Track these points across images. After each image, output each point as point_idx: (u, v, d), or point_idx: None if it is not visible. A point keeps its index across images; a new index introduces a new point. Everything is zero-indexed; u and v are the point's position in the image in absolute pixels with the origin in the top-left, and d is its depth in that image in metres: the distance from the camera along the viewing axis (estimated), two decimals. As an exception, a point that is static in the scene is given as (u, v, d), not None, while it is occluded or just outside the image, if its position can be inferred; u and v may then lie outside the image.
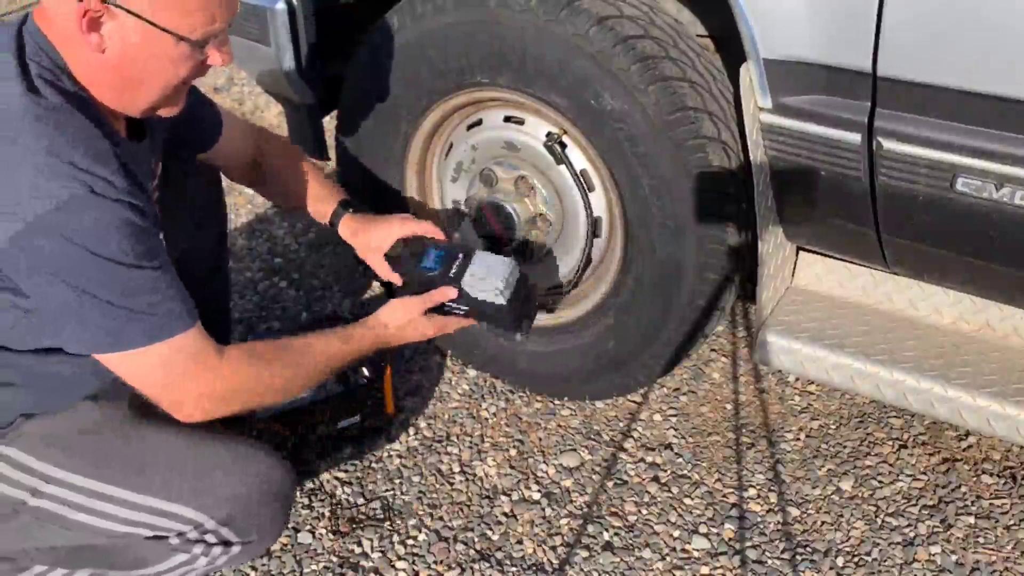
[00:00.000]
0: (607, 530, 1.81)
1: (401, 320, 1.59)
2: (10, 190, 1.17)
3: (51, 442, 1.39)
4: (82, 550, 1.46)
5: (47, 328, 1.31)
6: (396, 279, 1.72)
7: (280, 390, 1.45)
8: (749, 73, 1.54)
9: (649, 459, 1.98)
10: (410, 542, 1.79)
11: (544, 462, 1.97)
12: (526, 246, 1.95)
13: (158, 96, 1.30)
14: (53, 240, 1.18)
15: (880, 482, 1.90)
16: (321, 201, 1.80)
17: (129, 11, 1.18)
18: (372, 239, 1.74)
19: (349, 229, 1.78)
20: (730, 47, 1.71)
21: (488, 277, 1.60)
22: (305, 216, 2.09)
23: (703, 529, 1.81)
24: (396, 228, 1.73)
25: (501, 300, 1.60)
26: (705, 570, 1.73)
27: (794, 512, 1.84)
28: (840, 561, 1.74)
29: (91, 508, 1.39)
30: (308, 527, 1.81)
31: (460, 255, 1.64)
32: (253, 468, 1.45)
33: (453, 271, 1.62)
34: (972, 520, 1.80)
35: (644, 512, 1.85)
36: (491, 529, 1.82)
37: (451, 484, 1.92)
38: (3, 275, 1.25)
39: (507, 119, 1.91)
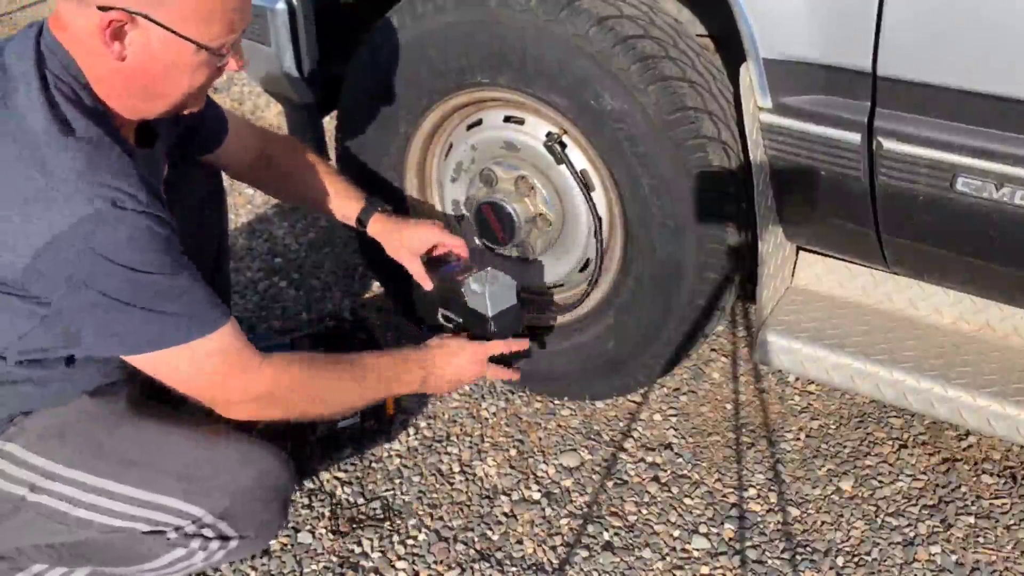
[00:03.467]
0: (607, 530, 1.81)
1: (455, 368, 1.66)
2: (34, 206, 1.18)
3: (50, 438, 1.40)
4: (80, 546, 1.46)
5: (71, 334, 1.32)
6: (427, 282, 1.83)
7: (323, 400, 1.48)
8: (749, 73, 1.54)
9: (649, 459, 1.98)
10: (410, 542, 1.79)
11: (544, 462, 1.97)
12: (526, 246, 1.96)
13: (177, 102, 1.32)
14: (78, 252, 1.19)
15: (880, 482, 1.90)
16: (344, 199, 1.84)
17: (153, 20, 1.20)
18: (410, 240, 1.82)
19: (383, 227, 1.83)
20: (730, 47, 1.71)
21: (485, 286, 1.72)
22: (305, 216, 2.09)
23: (703, 529, 1.81)
24: (435, 234, 1.81)
25: (488, 312, 1.73)
26: (705, 570, 1.73)
27: (794, 512, 1.84)
28: (840, 561, 1.74)
29: (90, 503, 1.40)
30: (308, 527, 1.81)
31: (475, 268, 1.78)
32: (253, 464, 1.46)
33: (464, 276, 1.76)
34: (972, 520, 1.80)
35: (644, 512, 1.85)
36: (491, 529, 1.82)
37: (451, 484, 1.92)
38: (26, 287, 1.25)
39: (507, 119, 1.91)
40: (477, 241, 2.00)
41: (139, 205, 1.22)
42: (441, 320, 1.87)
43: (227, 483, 1.43)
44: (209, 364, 1.34)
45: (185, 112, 1.37)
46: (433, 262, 1.84)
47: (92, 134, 1.22)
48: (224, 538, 1.46)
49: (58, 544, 1.46)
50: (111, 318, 1.26)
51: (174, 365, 1.33)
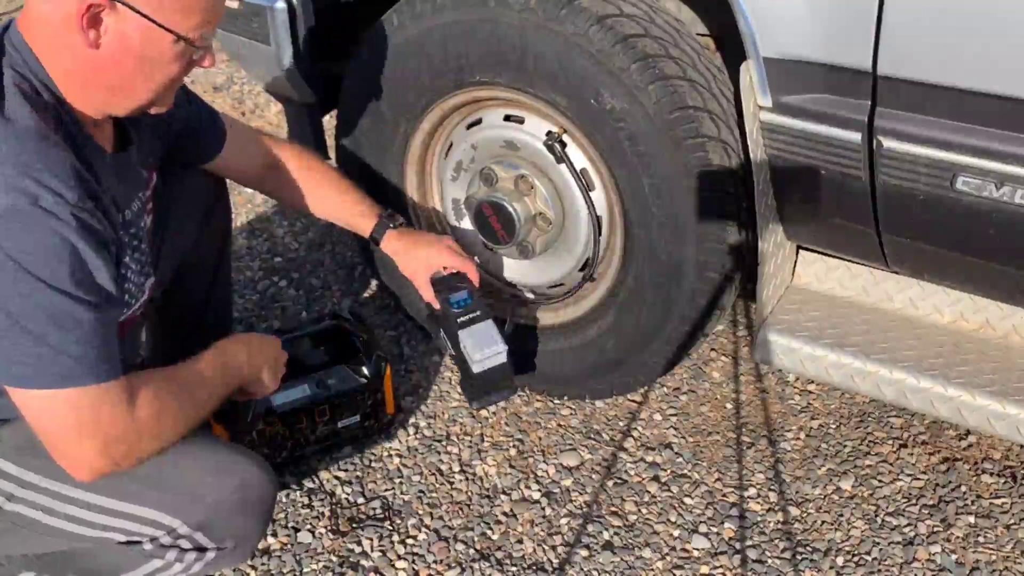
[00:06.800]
0: (607, 529, 1.81)
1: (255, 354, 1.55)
2: None
3: (26, 447, 1.33)
4: (57, 556, 1.44)
5: None
6: (436, 304, 1.83)
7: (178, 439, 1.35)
8: (749, 72, 1.54)
9: (649, 458, 1.97)
10: (410, 541, 1.79)
11: (544, 461, 1.97)
12: (526, 245, 1.96)
13: (149, 95, 1.29)
14: None
15: (880, 481, 1.90)
16: (356, 213, 1.84)
17: (132, 8, 1.18)
18: (421, 260, 1.83)
19: (397, 245, 1.83)
20: (730, 46, 1.71)
21: (479, 345, 1.75)
22: (305, 215, 2.08)
23: (703, 528, 1.81)
24: (448, 256, 1.83)
25: (472, 368, 1.76)
26: (705, 569, 1.73)
27: (794, 511, 1.84)
28: (840, 560, 1.74)
29: (64, 513, 1.36)
30: (308, 526, 1.81)
31: (478, 312, 1.79)
32: (232, 473, 1.42)
33: (464, 319, 1.78)
34: (972, 519, 1.80)
35: (644, 511, 1.85)
36: (491, 528, 1.82)
37: (451, 484, 1.92)
38: None
39: (507, 118, 1.91)
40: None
41: (66, 208, 1.14)
42: (436, 339, 1.90)
43: (203, 493, 1.39)
44: (77, 415, 1.20)
45: (152, 111, 1.32)
46: (442, 282, 1.83)
47: (34, 126, 1.17)
48: (201, 549, 1.43)
49: (34, 553, 1.45)
50: None
51: (40, 404, 1.20)
